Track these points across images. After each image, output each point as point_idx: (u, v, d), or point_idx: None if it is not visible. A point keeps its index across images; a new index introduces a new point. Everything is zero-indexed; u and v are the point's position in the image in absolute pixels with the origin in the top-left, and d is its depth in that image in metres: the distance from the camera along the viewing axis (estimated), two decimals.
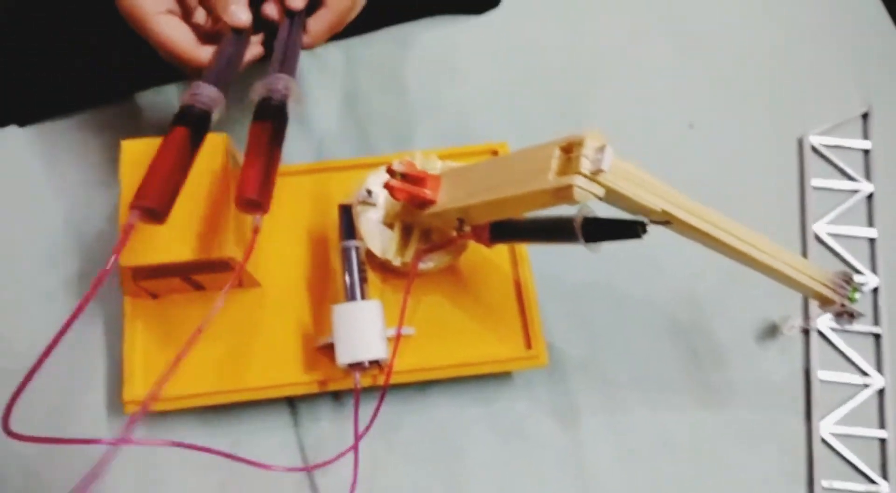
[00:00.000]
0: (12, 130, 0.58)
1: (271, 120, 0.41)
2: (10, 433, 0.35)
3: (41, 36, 0.56)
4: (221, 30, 0.45)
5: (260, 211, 0.39)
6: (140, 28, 0.44)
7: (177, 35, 0.44)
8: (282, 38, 0.45)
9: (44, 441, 0.38)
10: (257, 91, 0.42)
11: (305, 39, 0.46)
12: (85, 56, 0.56)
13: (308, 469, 0.49)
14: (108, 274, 0.35)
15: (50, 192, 0.56)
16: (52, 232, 0.55)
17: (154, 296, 0.50)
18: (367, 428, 0.46)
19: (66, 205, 0.56)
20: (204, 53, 0.44)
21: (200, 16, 0.47)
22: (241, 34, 0.44)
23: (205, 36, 0.45)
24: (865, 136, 0.61)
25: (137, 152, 0.46)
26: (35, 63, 0.56)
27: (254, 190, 0.39)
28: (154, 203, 0.36)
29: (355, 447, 0.46)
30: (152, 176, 0.37)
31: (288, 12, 0.45)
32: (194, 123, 0.39)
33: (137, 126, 0.58)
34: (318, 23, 0.46)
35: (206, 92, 0.40)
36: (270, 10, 0.45)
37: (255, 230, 0.40)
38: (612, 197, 0.35)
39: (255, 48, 0.46)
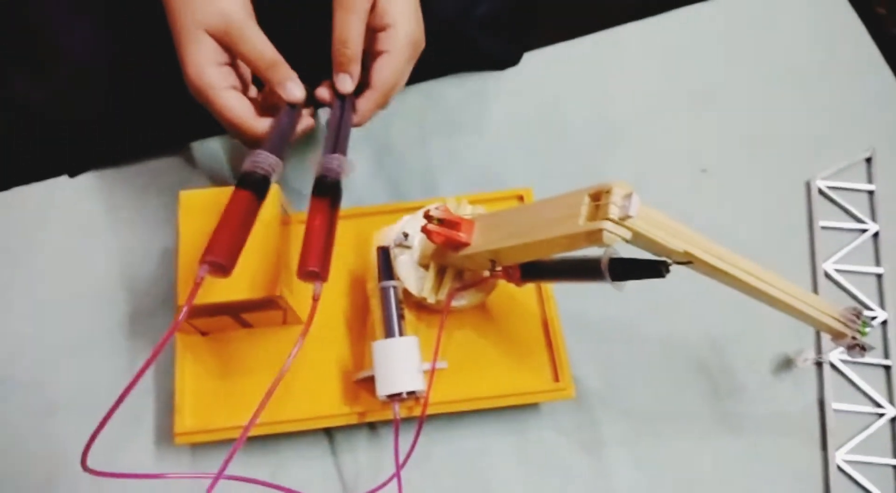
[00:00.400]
0: (65, 179, 0.62)
1: (328, 197, 0.45)
2: (87, 469, 0.39)
3: (95, 93, 0.60)
4: (277, 103, 0.49)
5: (320, 280, 0.43)
6: (207, 101, 0.48)
7: (239, 108, 0.48)
8: (334, 119, 0.49)
9: (117, 476, 0.41)
10: (314, 169, 0.46)
11: (355, 118, 0.50)
12: (135, 110, 0.60)
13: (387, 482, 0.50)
14: (179, 324, 0.40)
15: (103, 237, 0.60)
16: (106, 276, 0.58)
17: (203, 334, 0.53)
18: (408, 456, 0.49)
19: (119, 250, 0.59)
20: (261, 125, 0.48)
21: (252, 91, 0.52)
22: (294, 108, 0.49)
23: (260, 108, 0.50)
24: (869, 179, 0.64)
25: (194, 202, 0.50)
26: (88, 117, 0.60)
27: (315, 262, 0.43)
28: (222, 259, 0.41)
29: (398, 475, 0.49)
30: (220, 234, 0.42)
31: (338, 95, 0.50)
32: (256, 187, 0.44)
33: (188, 176, 0.62)
34: (365, 102, 0.50)
35: (266, 159, 0.44)
36: (323, 93, 0.50)
37: (316, 298, 0.44)
38: (637, 240, 0.38)
39: (306, 120, 0.50)
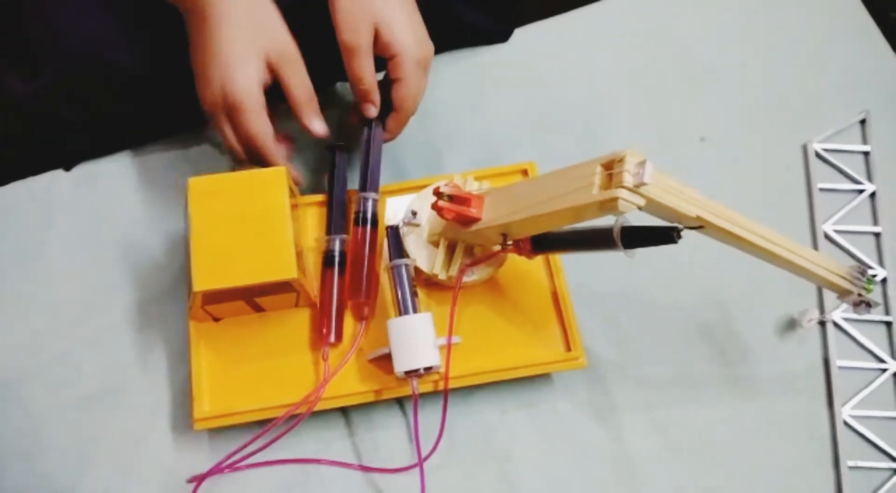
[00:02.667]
0: (63, 171, 0.61)
1: (368, 229, 0.54)
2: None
3: (92, 84, 0.59)
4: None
5: (368, 306, 0.52)
6: (245, 120, 0.50)
7: (270, 133, 0.51)
8: (366, 140, 0.56)
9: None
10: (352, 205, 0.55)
11: (386, 135, 0.57)
12: (135, 98, 0.60)
13: (410, 468, 0.52)
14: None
15: (106, 229, 0.60)
16: (112, 266, 0.58)
17: (216, 319, 0.53)
18: (440, 436, 0.50)
19: (123, 241, 0.59)
20: (279, 152, 0.53)
21: None
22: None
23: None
24: (864, 140, 0.65)
25: (204, 188, 0.50)
26: (83, 110, 0.60)
27: (363, 293, 0.52)
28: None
29: (417, 448, 0.50)
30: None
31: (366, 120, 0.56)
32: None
33: (187, 164, 0.62)
34: (394, 123, 0.56)
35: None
36: (354, 120, 0.57)
37: (368, 319, 0.53)
38: (651, 207, 0.38)
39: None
